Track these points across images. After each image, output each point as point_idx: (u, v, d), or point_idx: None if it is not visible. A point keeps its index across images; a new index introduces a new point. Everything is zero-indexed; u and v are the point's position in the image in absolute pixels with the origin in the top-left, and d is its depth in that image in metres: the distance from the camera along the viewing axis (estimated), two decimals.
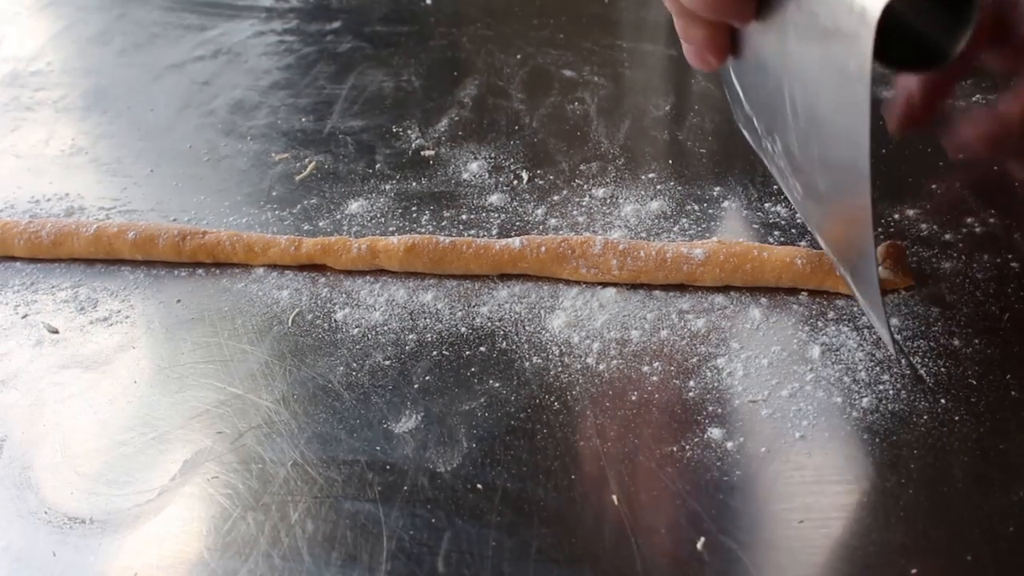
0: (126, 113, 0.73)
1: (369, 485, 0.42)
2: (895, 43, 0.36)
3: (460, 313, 0.51)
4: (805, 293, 0.50)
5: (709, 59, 0.46)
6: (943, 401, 0.44)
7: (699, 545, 0.38)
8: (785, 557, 0.38)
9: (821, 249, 0.50)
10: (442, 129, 0.68)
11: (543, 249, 0.52)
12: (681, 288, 0.51)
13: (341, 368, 0.48)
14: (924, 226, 0.54)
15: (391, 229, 0.58)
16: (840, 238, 0.46)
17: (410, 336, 0.50)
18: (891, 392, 0.44)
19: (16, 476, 0.43)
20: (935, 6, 0.37)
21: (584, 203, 0.59)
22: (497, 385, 0.46)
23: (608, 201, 0.59)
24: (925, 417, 0.43)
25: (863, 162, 0.37)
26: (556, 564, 0.38)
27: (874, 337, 0.47)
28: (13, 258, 0.57)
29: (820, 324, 0.48)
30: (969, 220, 0.55)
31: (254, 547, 0.39)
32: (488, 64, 0.77)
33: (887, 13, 0.33)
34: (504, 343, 0.49)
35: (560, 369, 0.47)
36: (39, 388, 0.48)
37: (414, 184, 0.62)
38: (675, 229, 0.56)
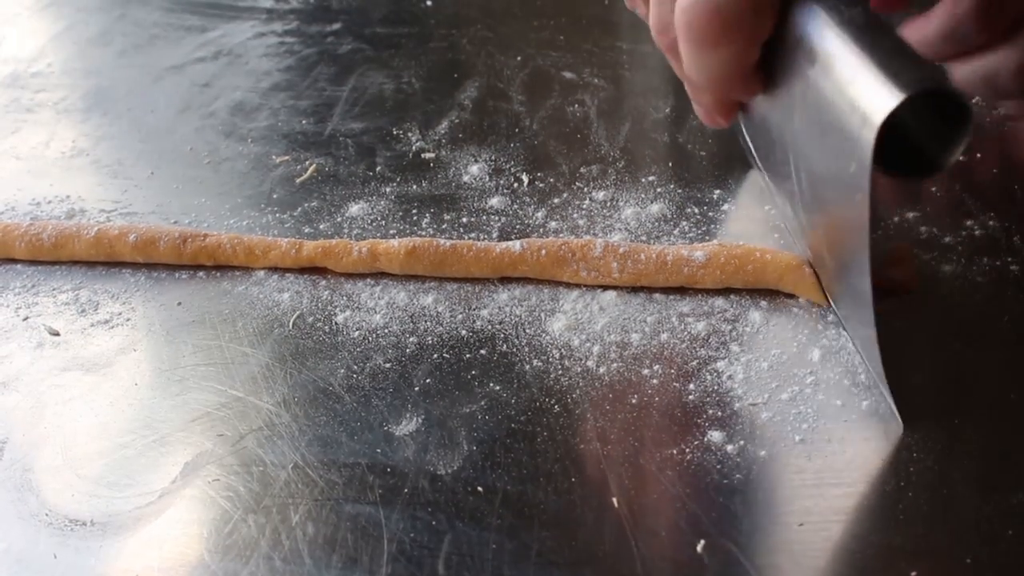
0: (127, 115, 0.73)
1: (370, 488, 0.42)
2: (894, 149, 0.37)
3: (460, 316, 0.51)
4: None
5: (719, 120, 0.47)
6: (943, 402, 0.44)
7: (699, 548, 0.38)
8: (785, 560, 0.38)
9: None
10: (442, 131, 0.68)
11: (543, 252, 0.52)
12: (681, 291, 0.51)
13: (342, 371, 0.48)
14: (923, 229, 0.54)
15: (392, 232, 0.58)
16: (842, 293, 0.46)
17: (411, 339, 0.50)
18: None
19: (17, 478, 0.43)
20: (933, 117, 0.37)
21: (584, 206, 0.59)
22: (498, 388, 0.46)
23: (608, 204, 0.59)
24: (925, 419, 0.43)
25: (862, 255, 0.38)
26: (556, 567, 0.38)
27: None
28: (14, 260, 0.57)
29: (820, 327, 0.48)
30: (969, 223, 0.55)
31: (255, 549, 0.39)
32: (488, 66, 0.77)
33: (889, 120, 0.33)
34: (504, 346, 0.49)
35: (560, 372, 0.47)
36: (40, 390, 0.48)
37: (414, 187, 0.62)
38: (675, 232, 0.56)
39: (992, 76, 0.47)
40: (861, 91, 0.35)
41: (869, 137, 0.34)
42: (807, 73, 0.39)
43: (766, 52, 0.42)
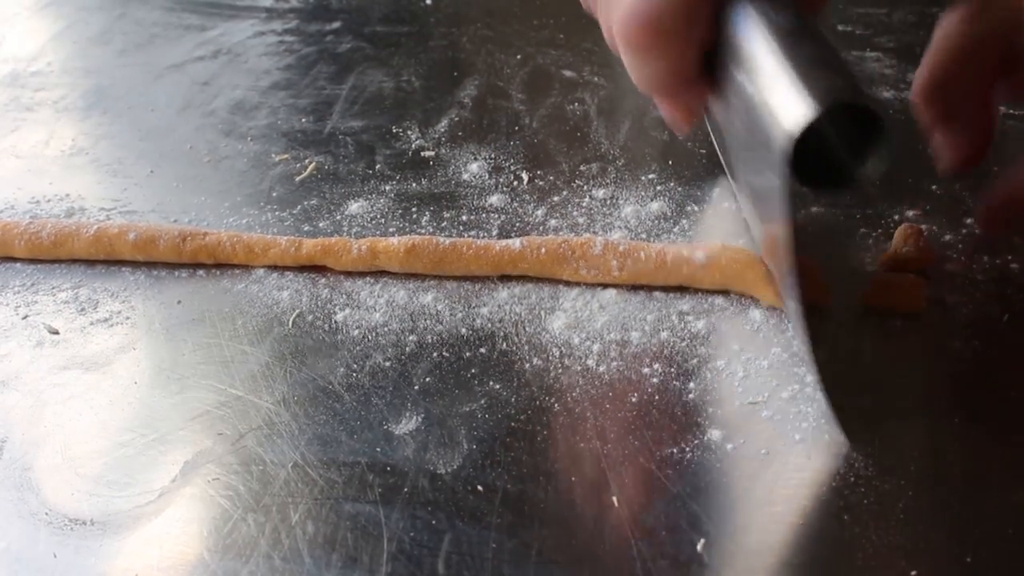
0: (126, 113, 0.73)
1: (369, 487, 0.42)
2: (820, 157, 0.36)
3: (460, 314, 0.51)
4: None
5: (680, 126, 0.47)
6: (942, 403, 0.44)
7: (699, 547, 0.38)
8: (785, 558, 0.38)
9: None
10: (442, 130, 0.68)
11: (543, 250, 0.52)
12: (681, 290, 0.51)
13: (341, 369, 0.48)
14: (924, 227, 0.54)
15: (391, 230, 0.58)
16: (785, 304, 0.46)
17: (410, 337, 0.50)
18: (891, 393, 0.44)
19: (16, 477, 0.43)
20: (857, 128, 0.36)
21: (584, 204, 0.59)
22: (497, 386, 0.46)
23: (608, 202, 0.59)
24: (925, 419, 0.43)
25: (787, 269, 0.39)
26: (556, 566, 0.38)
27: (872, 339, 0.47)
28: (13, 259, 0.57)
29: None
30: (969, 221, 0.55)
31: (255, 548, 0.39)
32: (488, 64, 0.77)
33: (805, 134, 0.33)
34: (504, 344, 0.49)
35: (560, 370, 0.47)
36: (39, 389, 0.48)
37: (414, 185, 0.62)
38: (675, 230, 0.56)
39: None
40: (779, 102, 0.34)
41: (786, 149, 0.33)
42: (739, 80, 0.39)
43: (712, 57, 0.42)
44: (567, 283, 0.52)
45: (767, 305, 0.49)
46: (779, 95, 0.34)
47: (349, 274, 0.54)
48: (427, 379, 0.47)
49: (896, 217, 0.56)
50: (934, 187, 0.58)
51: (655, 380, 0.46)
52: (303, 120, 0.71)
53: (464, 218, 0.58)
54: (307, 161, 0.65)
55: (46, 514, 0.42)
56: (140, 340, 0.51)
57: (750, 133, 0.39)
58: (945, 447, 0.42)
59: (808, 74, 0.34)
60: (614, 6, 0.42)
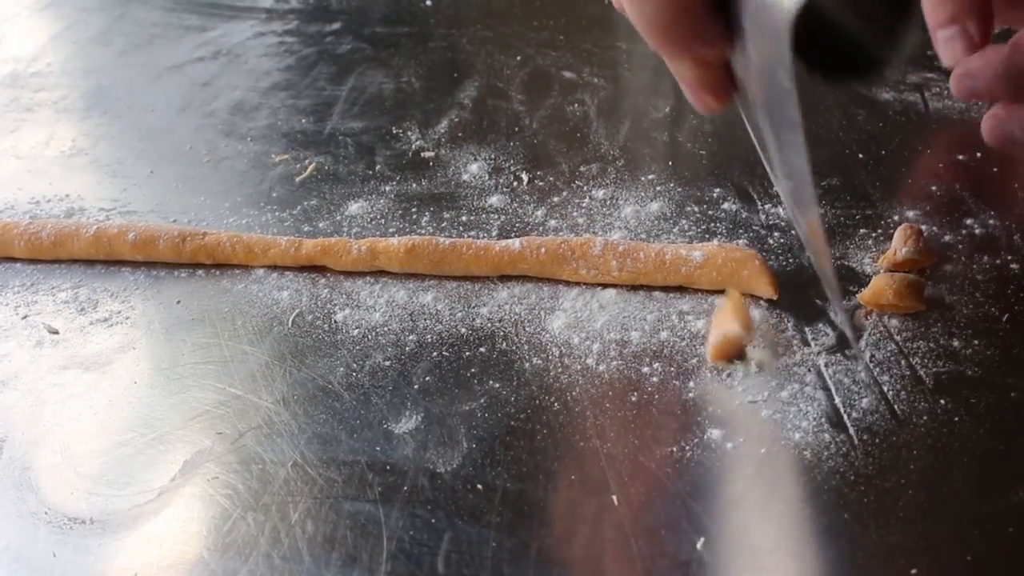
0: (126, 114, 0.73)
1: (369, 486, 0.42)
2: (828, 50, 0.34)
3: (460, 314, 0.51)
4: None
5: (707, 100, 0.44)
6: (943, 402, 0.44)
7: (699, 546, 0.38)
8: (786, 557, 0.38)
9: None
10: (442, 130, 0.68)
11: (543, 250, 0.52)
12: (681, 289, 0.51)
13: (341, 369, 0.48)
14: (924, 227, 0.54)
15: (391, 230, 0.58)
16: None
17: (410, 337, 0.50)
18: (891, 393, 0.44)
19: (16, 476, 0.43)
20: (871, 17, 0.34)
21: (584, 204, 0.59)
22: (497, 386, 0.46)
23: (608, 202, 0.59)
24: (925, 418, 0.43)
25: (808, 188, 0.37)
26: (556, 565, 0.38)
27: (874, 338, 0.47)
28: (13, 259, 0.57)
29: (821, 325, 0.48)
30: (969, 222, 0.55)
31: (254, 548, 0.39)
32: (488, 65, 0.77)
33: (812, 17, 0.31)
34: (504, 344, 0.49)
35: (560, 370, 0.47)
36: (39, 389, 0.48)
37: (414, 185, 0.62)
38: (675, 230, 0.56)
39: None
40: None
41: (788, 21, 0.31)
42: (749, 48, 0.38)
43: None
44: (567, 283, 0.52)
45: (766, 298, 0.49)
46: None
47: (349, 274, 0.54)
48: (427, 378, 0.47)
49: (896, 217, 0.56)
50: (934, 188, 0.58)
51: (655, 379, 0.46)
52: (303, 121, 0.71)
53: (464, 218, 0.58)
54: (307, 162, 0.65)
55: (46, 513, 0.42)
56: (140, 340, 0.51)
57: (762, 60, 0.37)
58: (945, 446, 0.42)
59: None
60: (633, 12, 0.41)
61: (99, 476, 0.43)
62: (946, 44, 0.43)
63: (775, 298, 0.49)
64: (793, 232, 0.55)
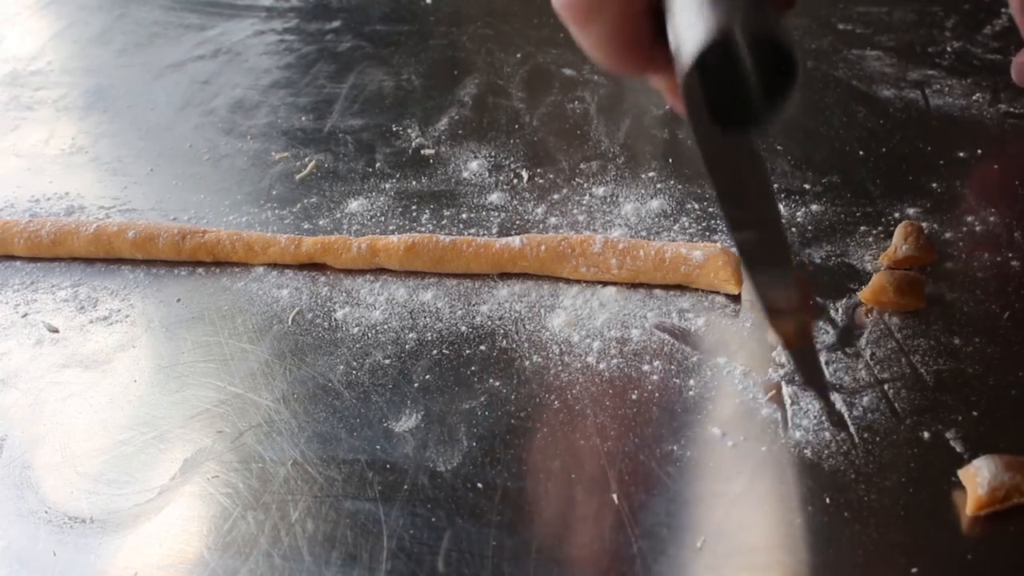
0: (126, 112, 0.73)
1: (369, 484, 0.42)
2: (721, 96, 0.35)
3: (460, 312, 0.51)
4: None
5: (676, 104, 0.43)
6: (943, 400, 0.44)
7: (699, 544, 0.38)
8: (786, 555, 0.38)
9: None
10: (442, 128, 0.68)
11: (543, 248, 0.52)
12: (681, 287, 0.51)
13: (341, 367, 0.48)
14: (925, 225, 0.54)
15: (391, 228, 0.58)
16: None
17: (410, 335, 0.50)
18: (892, 391, 0.44)
19: (16, 475, 0.43)
20: (771, 69, 0.34)
21: (584, 202, 0.59)
22: (497, 384, 0.46)
23: (608, 200, 0.59)
24: (926, 416, 0.43)
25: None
26: (556, 563, 0.38)
27: (873, 336, 0.47)
28: (13, 257, 0.57)
29: (821, 324, 0.48)
30: (969, 219, 0.55)
31: (254, 546, 0.39)
32: (488, 63, 0.77)
33: (716, 58, 0.32)
34: (504, 342, 0.49)
35: (560, 368, 0.47)
36: (39, 387, 0.48)
37: (414, 183, 0.62)
38: (675, 228, 0.56)
39: None
40: (684, 29, 0.33)
41: (687, 70, 0.32)
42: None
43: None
44: (567, 281, 0.52)
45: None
46: (685, 23, 0.34)
47: (349, 272, 0.54)
48: (427, 376, 0.47)
49: (896, 215, 0.56)
50: (934, 185, 0.58)
51: (655, 377, 0.46)
52: (303, 119, 0.70)
53: (464, 216, 0.58)
54: (307, 159, 0.65)
55: (46, 512, 0.42)
56: (140, 338, 0.51)
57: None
58: (946, 444, 0.42)
59: (720, 6, 0.33)
60: None
61: (99, 475, 0.43)
62: None
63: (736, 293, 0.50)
64: (794, 230, 0.55)
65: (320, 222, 0.58)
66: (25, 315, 0.53)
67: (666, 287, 0.51)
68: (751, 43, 0.33)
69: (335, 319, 0.51)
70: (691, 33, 0.32)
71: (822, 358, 0.46)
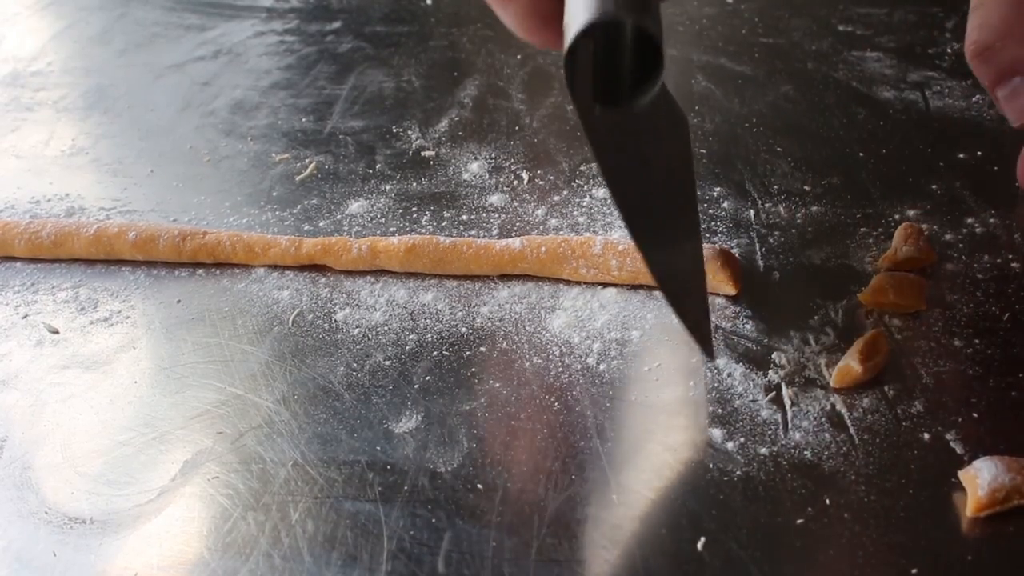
0: (126, 113, 0.73)
1: (369, 485, 0.42)
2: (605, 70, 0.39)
3: (460, 313, 0.51)
4: None
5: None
6: (943, 401, 0.44)
7: (699, 545, 0.38)
8: (786, 557, 0.38)
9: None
10: (442, 129, 0.68)
11: (543, 249, 0.52)
12: None
13: (341, 368, 0.48)
14: (924, 226, 0.54)
15: (391, 229, 0.58)
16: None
17: (410, 336, 0.50)
18: (892, 393, 0.44)
19: (16, 476, 0.43)
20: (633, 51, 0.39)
21: (585, 203, 0.59)
22: (497, 385, 0.46)
23: (608, 201, 0.59)
24: (926, 417, 0.43)
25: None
26: (556, 565, 0.38)
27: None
28: (13, 258, 0.57)
29: (821, 324, 0.48)
30: (969, 220, 0.55)
31: (254, 547, 0.39)
32: (488, 64, 0.77)
33: (594, 41, 0.36)
34: (504, 343, 0.49)
35: (560, 369, 0.47)
36: (39, 388, 0.48)
37: (414, 184, 0.62)
38: None
39: None
40: (570, 17, 0.37)
41: (568, 40, 0.36)
42: None
43: None
44: (567, 282, 0.52)
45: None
46: (573, 6, 0.37)
47: (349, 273, 0.54)
48: (427, 378, 0.47)
49: (896, 216, 0.56)
50: (934, 187, 0.58)
51: (655, 379, 0.46)
52: (303, 120, 0.71)
53: (464, 217, 0.58)
54: (307, 161, 0.65)
55: (46, 513, 0.42)
56: (140, 339, 0.51)
57: None
58: (946, 444, 0.42)
59: None
60: None
61: (99, 476, 0.43)
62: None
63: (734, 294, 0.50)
64: (794, 231, 0.55)
65: (320, 223, 0.59)
66: (25, 316, 0.53)
67: None
68: (625, 32, 0.37)
69: (335, 320, 0.51)
70: (575, 17, 0.36)
71: (822, 359, 0.46)
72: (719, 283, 0.50)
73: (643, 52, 0.38)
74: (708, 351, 0.45)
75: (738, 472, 0.41)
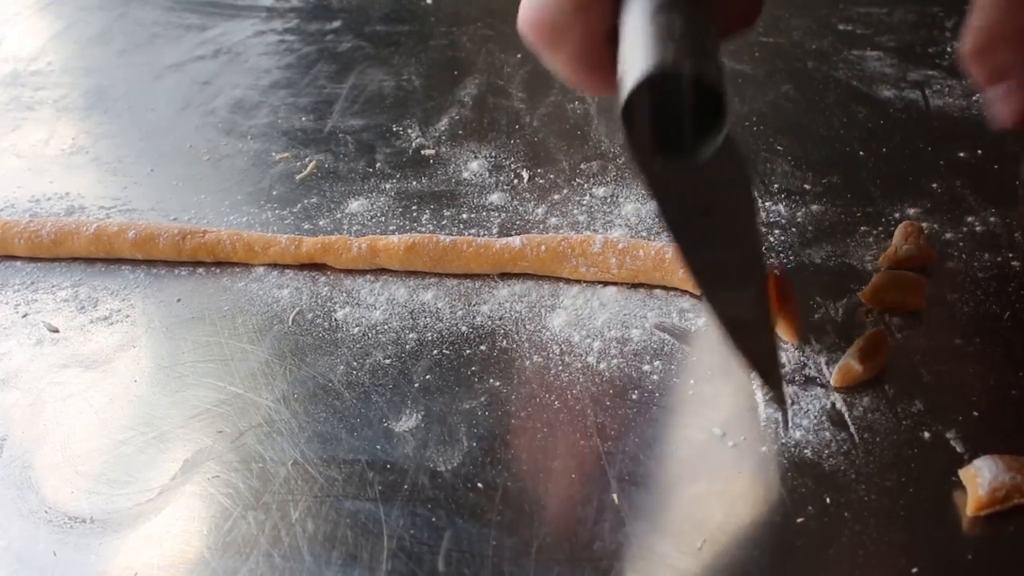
0: (126, 112, 0.73)
1: (369, 484, 0.42)
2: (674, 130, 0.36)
3: (460, 312, 0.51)
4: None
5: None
6: (944, 400, 0.44)
7: (699, 545, 0.38)
8: (786, 556, 0.38)
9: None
10: (442, 128, 0.68)
11: (543, 248, 0.52)
12: (681, 287, 0.51)
13: (341, 367, 0.48)
14: (925, 225, 0.54)
15: (391, 228, 0.58)
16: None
17: (410, 335, 0.50)
18: (892, 392, 0.44)
19: (16, 475, 0.43)
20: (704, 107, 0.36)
21: (584, 202, 0.59)
22: (497, 384, 0.46)
23: (609, 200, 0.59)
24: (926, 416, 0.43)
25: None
26: (556, 563, 0.38)
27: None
28: (14, 257, 0.57)
29: (821, 324, 0.48)
30: (970, 219, 0.55)
31: (255, 546, 0.39)
32: (488, 63, 0.77)
33: (653, 91, 0.33)
34: (505, 342, 0.49)
35: (560, 368, 0.47)
36: (39, 387, 0.48)
37: (414, 183, 0.62)
38: None
39: None
40: (627, 64, 0.35)
41: (622, 105, 0.34)
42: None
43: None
44: (567, 280, 0.52)
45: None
46: (629, 56, 0.35)
47: (349, 272, 0.54)
48: (427, 377, 0.47)
49: (897, 215, 0.56)
50: (935, 185, 0.58)
51: (655, 377, 0.46)
52: (303, 119, 0.70)
53: (464, 216, 0.58)
54: (307, 160, 0.65)
55: (46, 512, 0.42)
56: (140, 338, 0.51)
57: None
58: (946, 444, 0.42)
59: (658, 43, 0.34)
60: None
61: (99, 475, 0.43)
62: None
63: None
64: (794, 230, 0.55)
65: (320, 222, 0.58)
66: (25, 315, 0.53)
67: (666, 287, 0.51)
68: (685, 82, 0.34)
69: (335, 319, 0.51)
70: (632, 66, 0.34)
71: (822, 358, 0.46)
72: (781, 331, 0.49)
73: (705, 99, 0.35)
74: (779, 398, 0.43)
75: (738, 471, 0.41)
